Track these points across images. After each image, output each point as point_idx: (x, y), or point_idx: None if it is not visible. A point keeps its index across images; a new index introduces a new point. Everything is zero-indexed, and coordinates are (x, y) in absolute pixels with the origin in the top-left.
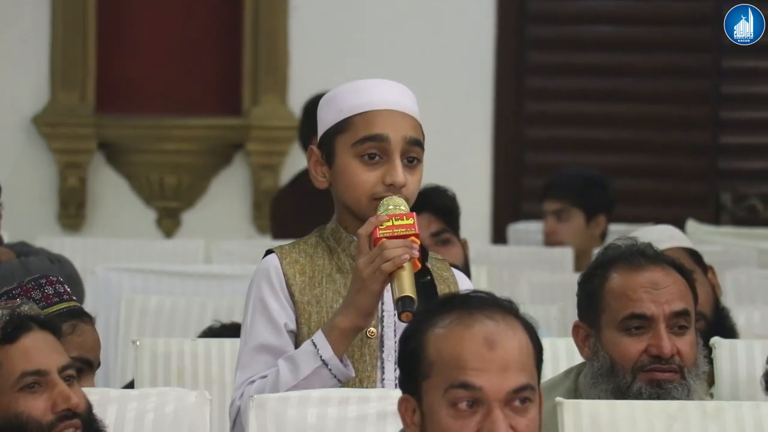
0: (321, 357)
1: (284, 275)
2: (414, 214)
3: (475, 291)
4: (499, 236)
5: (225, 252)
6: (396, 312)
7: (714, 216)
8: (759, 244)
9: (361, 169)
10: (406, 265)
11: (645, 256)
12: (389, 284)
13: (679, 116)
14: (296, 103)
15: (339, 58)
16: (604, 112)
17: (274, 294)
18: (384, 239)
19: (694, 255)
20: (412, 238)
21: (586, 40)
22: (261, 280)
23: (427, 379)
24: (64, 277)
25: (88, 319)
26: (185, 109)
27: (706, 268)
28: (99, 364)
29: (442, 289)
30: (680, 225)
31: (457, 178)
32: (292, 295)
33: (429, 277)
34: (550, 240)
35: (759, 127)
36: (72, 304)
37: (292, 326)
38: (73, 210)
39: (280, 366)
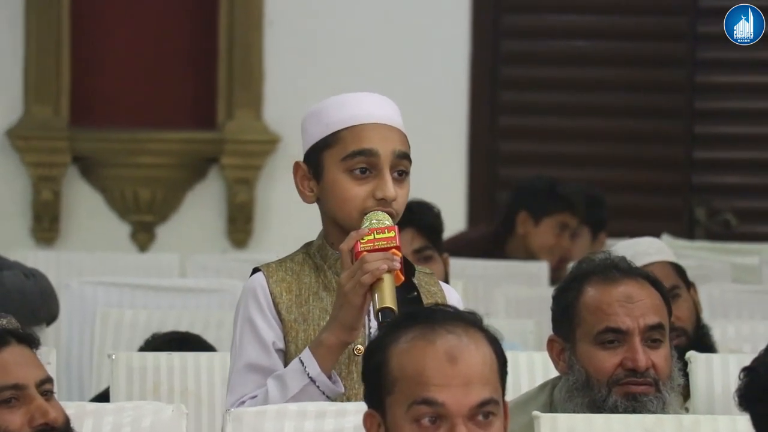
0: (308, 374)
1: (271, 294)
2: (396, 227)
3: (437, 305)
4: None
5: (200, 266)
6: (376, 323)
7: (688, 230)
8: (733, 259)
9: (351, 183)
10: (386, 277)
11: (619, 269)
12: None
13: (653, 131)
14: (271, 117)
15: (314, 72)
16: (579, 126)
17: (262, 313)
18: (365, 252)
19: (679, 270)
20: (393, 250)
21: (560, 54)
22: (248, 298)
23: (390, 395)
24: (39, 292)
25: None
26: (160, 123)
27: (689, 284)
28: None
29: (429, 304)
30: None
31: (432, 192)
32: (279, 313)
33: (415, 293)
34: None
35: (732, 142)
36: None
37: (281, 345)
38: (47, 224)
39: (269, 385)
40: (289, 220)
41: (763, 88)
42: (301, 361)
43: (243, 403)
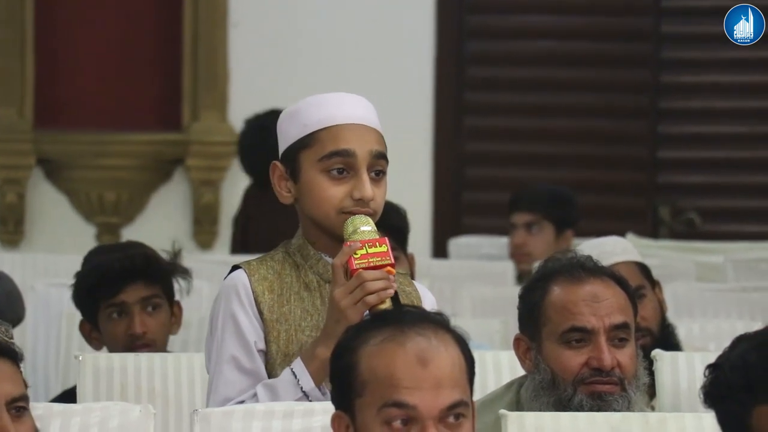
0: (302, 388)
1: (253, 292)
2: (386, 239)
3: (406, 306)
4: (439, 250)
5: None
6: None
7: (652, 230)
8: (697, 258)
9: (328, 183)
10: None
11: (585, 269)
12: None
13: (617, 131)
14: (236, 118)
15: (278, 74)
16: (544, 126)
17: (244, 311)
18: (361, 270)
19: (644, 269)
20: (389, 268)
21: (524, 55)
22: (230, 296)
23: (360, 397)
24: (5, 294)
25: None
26: (125, 125)
27: (654, 283)
28: None
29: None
30: None
31: (398, 193)
32: (261, 312)
33: (395, 294)
34: (519, 252)
35: (696, 141)
36: None
37: (261, 345)
38: (11, 226)
39: (259, 393)
40: None
41: (727, 88)
42: (294, 373)
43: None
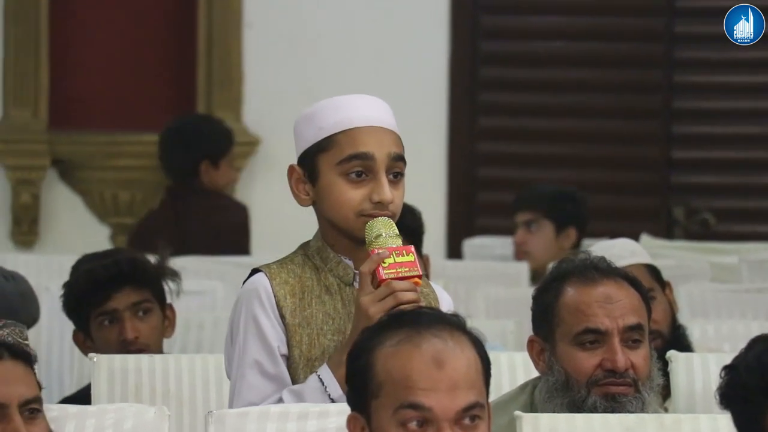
0: (330, 396)
1: (275, 296)
2: (412, 247)
3: (422, 307)
4: (454, 251)
5: (179, 268)
6: None
7: (667, 230)
8: (712, 258)
9: (347, 187)
10: None
11: (598, 270)
12: None
13: (631, 131)
14: (250, 119)
15: (292, 74)
16: (558, 127)
17: (266, 315)
18: (390, 281)
19: (654, 271)
20: (416, 279)
21: (538, 55)
22: (252, 300)
23: (376, 398)
24: (19, 295)
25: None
26: (139, 125)
27: (664, 285)
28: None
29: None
30: (634, 239)
31: (412, 194)
32: (282, 317)
33: None
34: (520, 251)
35: (710, 141)
36: None
37: (284, 350)
38: (26, 227)
39: (285, 399)
40: (269, 221)
41: (741, 88)
42: (321, 380)
43: None
